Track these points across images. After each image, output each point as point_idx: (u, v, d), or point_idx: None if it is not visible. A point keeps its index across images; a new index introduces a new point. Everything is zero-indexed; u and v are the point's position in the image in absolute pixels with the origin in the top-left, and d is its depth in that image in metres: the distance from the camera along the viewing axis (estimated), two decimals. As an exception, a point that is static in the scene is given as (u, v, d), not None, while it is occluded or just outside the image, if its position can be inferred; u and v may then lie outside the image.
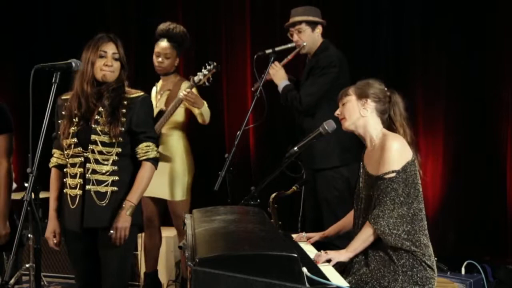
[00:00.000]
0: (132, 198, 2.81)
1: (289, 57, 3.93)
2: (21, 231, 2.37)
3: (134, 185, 2.83)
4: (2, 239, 3.16)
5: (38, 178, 2.46)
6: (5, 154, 3.24)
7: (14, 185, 4.70)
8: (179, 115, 4.00)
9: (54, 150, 2.94)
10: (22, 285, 4.61)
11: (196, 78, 3.82)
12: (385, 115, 2.73)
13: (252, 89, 4.02)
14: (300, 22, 3.85)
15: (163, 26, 4.07)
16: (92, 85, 2.82)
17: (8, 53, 5.91)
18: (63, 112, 2.86)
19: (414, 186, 2.61)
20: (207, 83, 3.88)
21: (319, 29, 3.88)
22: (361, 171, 2.79)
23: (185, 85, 3.96)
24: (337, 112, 2.81)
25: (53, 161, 2.94)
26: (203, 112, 3.91)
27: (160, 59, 4.03)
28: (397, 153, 2.59)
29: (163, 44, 4.03)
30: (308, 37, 3.85)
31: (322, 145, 3.62)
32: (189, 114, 4.04)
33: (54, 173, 2.95)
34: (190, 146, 4.11)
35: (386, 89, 2.75)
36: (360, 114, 2.72)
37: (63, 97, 2.90)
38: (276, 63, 3.89)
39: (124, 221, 2.78)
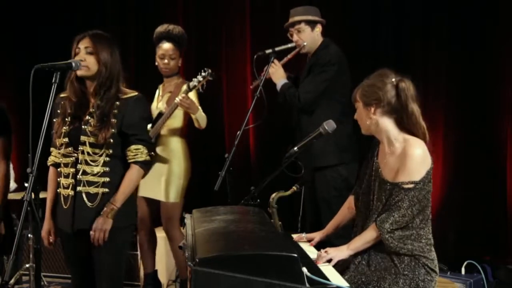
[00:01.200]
0: (116, 201, 2.76)
1: (289, 56, 3.93)
2: (21, 231, 2.37)
3: (120, 188, 2.78)
4: None
5: (38, 178, 2.46)
6: (2, 156, 3.24)
7: (15, 185, 4.72)
8: (178, 118, 4.00)
9: (51, 149, 2.91)
10: (22, 285, 4.61)
11: (191, 84, 3.81)
12: (398, 112, 2.61)
13: (251, 86, 4.03)
14: (299, 22, 3.85)
15: (161, 29, 4.07)
16: (73, 84, 2.79)
17: (8, 53, 5.91)
18: (59, 111, 2.84)
19: (427, 194, 2.57)
20: (201, 90, 3.88)
21: (318, 28, 3.88)
22: (373, 169, 2.71)
23: (183, 87, 3.96)
24: (355, 117, 2.76)
25: (50, 159, 2.91)
26: (198, 117, 3.91)
27: (165, 60, 4.04)
28: (418, 163, 2.52)
29: (166, 45, 4.03)
30: (307, 36, 3.86)
31: (321, 144, 3.62)
32: (188, 117, 4.04)
33: (51, 171, 2.93)
34: (189, 150, 4.11)
35: (393, 80, 2.60)
36: (369, 121, 2.65)
37: (62, 95, 2.87)
38: (276, 61, 3.89)
39: (103, 223, 2.73)
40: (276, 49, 3.85)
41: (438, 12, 4.58)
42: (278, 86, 3.89)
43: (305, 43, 3.85)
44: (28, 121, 2.45)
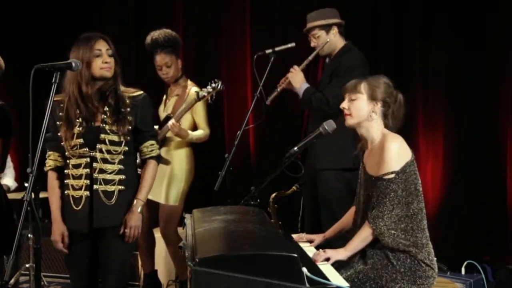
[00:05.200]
0: (141, 196, 2.87)
1: (310, 57, 3.87)
2: (21, 231, 2.37)
3: (142, 183, 2.88)
4: None
5: (38, 178, 2.46)
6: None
7: (15, 184, 4.72)
8: (185, 123, 3.99)
9: (49, 153, 2.90)
10: (22, 285, 4.61)
11: (200, 94, 3.80)
12: (388, 117, 2.72)
13: (268, 102, 3.88)
14: (313, 28, 3.84)
15: (148, 40, 4.06)
16: (90, 85, 2.81)
17: (8, 53, 5.90)
18: (60, 114, 2.83)
19: (414, 185, 2.61)
20: (209, 101, 3.87)
21: (334, 30, 3.84)
22: (361, 171, 2.80)
23: (193, 92, 3.95)
24: (344, 106, 2.76)
25: (50, 164, 2.89)
26: (192, 139, 3.95)
27: (163, 71, 4.04)
28: (396, 154, 2.60)
29: (158, 56, 4.02)
30: (324, 40, 3.83)
31: (332, 145, 3.61)
32: (194, 122, 4.05)
33: (52, 176, 2.90)
34: (193, 154, 4.11)
35: (394, 91, 2.73)
36: (369, 117, 2.70)
37: (56, 99, 2.81)
38: (295, 66, 3.85)
39: (137, 219, 2.82)
40: (276, 49, 3.82)
41: (438, 12, 4.57)
42: (300, 91, 3.82)
43: (321, 43, 3.82)
44: (28, 121, 2.45)
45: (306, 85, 3.83)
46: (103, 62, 2.81)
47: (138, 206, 2.84)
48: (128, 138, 2.83)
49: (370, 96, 2.70)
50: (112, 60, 2.86)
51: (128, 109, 2.84)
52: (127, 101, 2.86)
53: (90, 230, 2.81)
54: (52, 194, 2.90)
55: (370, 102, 2.70)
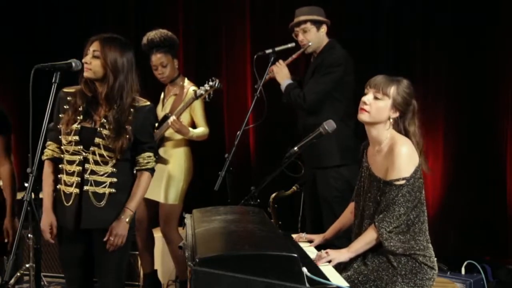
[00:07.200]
0: (131, 206, 2.82)
1: (294, 56, 3.90)
2: (21, 231, 2.37)
3: (133, 193, 2.83)
4: (11, 237, 3.19)
5: (38, 178, 2.46)
6: (5, 154, 3.26)
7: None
8: (183, 121, 3.98)
9: (48, 142, 2.84)
10: (22, 285, 4.61)
11: (198, 92, 3.81)
12: (398, 122, 2.68)
13: (256, 86, 3.91)
14: (305, 22, 3.83)
15: (144, 41, 4.06)
16: (87, 82, 2.79)
17: (8, 53, 5.91)
18: (65, 107, 2.80)
19: (419, 189, 2.61)
20: (207, 99, 3.88)
21: (324, 29, 3.87)
22: (363, 169, 2.77)
23: (191, 91, 3.95)
24: (366, 100, 2.65)
25: (48, 153, 2.84)
26: (192, 137, 3.95)
27: (158, 70, 4.04)
28: (406, 160, 2.57)
29: (154, 56, 4.03)
30: (313, 36, 3.84)
31: (324, 144, 3.62)
32: (193, 122, 4.05)
33: (48, 166, 2.85)
34: (191, 153, 4.11)
35: (413, 99, 2.69)
36: (386, 122, 2.66)
37: (66, 90, 2.83)
38: (280, 61, 3.87)
39: (123, 228, 2.77)
40: (276, 49, 3.83)
41: (438, 12, 4.57)
42: (283, 86, 3.86)
43: (310, 43, 3.83)
44: (28, 121, 2.45)
45: (288, 81, 3.85)
46: (84, 62, 2.74)
47: (127, 215, 2.79)
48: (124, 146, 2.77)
49: (394, 103, 2.63)
50: (96, 62, 2.73)
51: (130, 117, 2.77)
52: (132, 110, 2.78)
53: (77, 230, 2.78)
54: (45, 184, 2.85)
55: (391, 109, 2.64)
